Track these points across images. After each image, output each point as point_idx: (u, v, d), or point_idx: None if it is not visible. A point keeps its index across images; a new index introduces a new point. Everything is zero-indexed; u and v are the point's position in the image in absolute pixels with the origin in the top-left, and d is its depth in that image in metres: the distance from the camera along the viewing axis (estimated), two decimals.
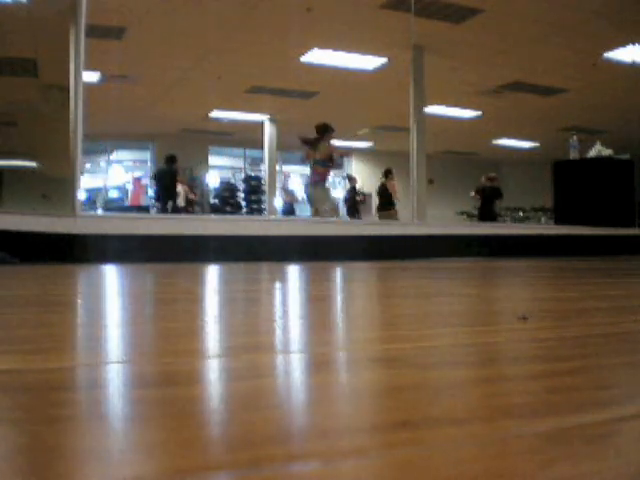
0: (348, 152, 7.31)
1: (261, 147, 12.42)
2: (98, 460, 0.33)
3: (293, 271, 3.06)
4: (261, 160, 13.07)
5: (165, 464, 0.33)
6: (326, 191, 6.92)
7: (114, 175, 13.40)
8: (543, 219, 13.02)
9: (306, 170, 15.13)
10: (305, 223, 5.93)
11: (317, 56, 8.06)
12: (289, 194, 12.45)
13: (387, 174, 9.43)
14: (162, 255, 4.11)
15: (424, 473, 0.32)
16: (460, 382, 0.56)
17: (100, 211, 11.08)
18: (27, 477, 0.31)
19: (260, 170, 13.48)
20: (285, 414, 0.44)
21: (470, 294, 1.71)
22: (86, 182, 11.43)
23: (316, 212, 6.66)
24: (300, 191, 14.81)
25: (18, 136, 6.11)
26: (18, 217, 4.03)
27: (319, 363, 0.65)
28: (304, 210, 14.60)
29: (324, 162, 6.68)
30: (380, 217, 9.34)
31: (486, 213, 10.27)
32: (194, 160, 12.58)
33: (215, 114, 11.33)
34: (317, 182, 6.71)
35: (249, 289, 1.97)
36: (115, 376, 0.57)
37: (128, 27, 6.90)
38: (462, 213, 13.35)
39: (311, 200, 6.91)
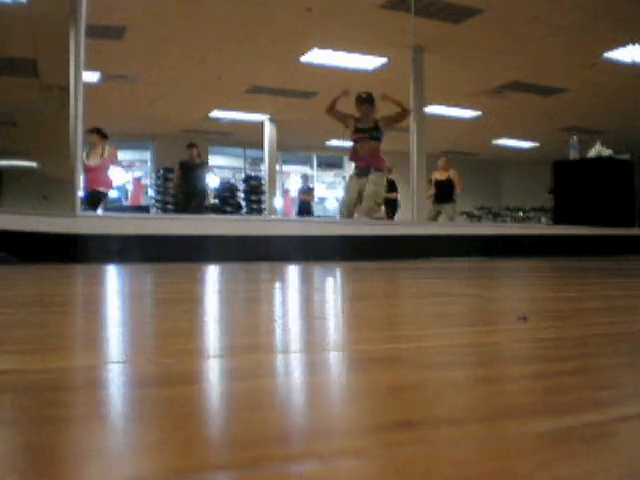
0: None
1: (261, 147, 12.43)
2: (98, 460, 0.33)
3: (292, 271, 3.06)
4: (261, 160, 13.07)
5: (165, 464, 0.33)
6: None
7: (114, 175, 13.39)
8: (543, 219, 13.03)
9: (306, 170, 15.18)
10: (305, 223, 5.92)
11: (317, 56, 8.06)
12: (307, 193, 12.33)
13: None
14: (162, 255, 4.11)
15: (424, 473, 0.32)
16: (460, 382, 0.56)
17: (100, 211, 11.05)
18: (27, 477, 0.31)
19: (260, 170, 13.49)
20: (285, 414, 0.44)
21: (470, 294, 1.71)
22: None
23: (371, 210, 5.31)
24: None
25: (18, 136, 6.12)
26: (18, 217, 4.03)
27: (319, 363, 0.65)
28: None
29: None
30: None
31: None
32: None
33: (215, 114, 11.33)
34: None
35: (249, 289, 1.97)
36: (115, 376, 0.57)
37: (128, 27, 6.90)
38: (462, 213, 13.35)
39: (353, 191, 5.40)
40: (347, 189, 5.53)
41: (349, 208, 5.41)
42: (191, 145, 8.09)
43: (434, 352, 0.71)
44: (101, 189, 6.43)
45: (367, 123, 5.33)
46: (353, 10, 6.59)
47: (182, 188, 8.14)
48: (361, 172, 5.31)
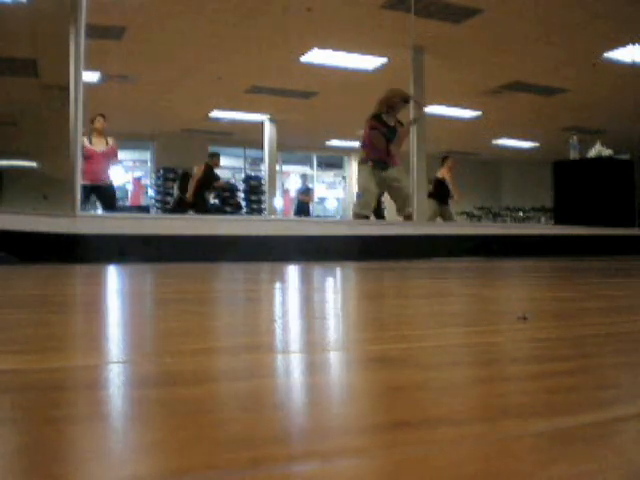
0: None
1: (261, 147, 12.43)
2: (98, 460, 0.33)
3: (292, 271, 3.06)
4: (261, 160, 13.07)
5: (165, 464, 0.33)
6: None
7: (114, 175, 13.39)
8: (543, 219, 13.03)
9: (305, 170, 15.19)
10: (305, 223, 5.92)
11: (317, 56, 8.06)
12: (306, 194, 12.32)
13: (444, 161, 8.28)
14: (162, 255, 4.11)
15: (424, 473, 0.32)
16: (460, 382, 0.56)
17: (100, 211, 11.08)
18: (27, 477, 0.31)
19: (260, 170, 13.49)
20: (285, 414, 0.44)
21: (470, 294, 1.71)
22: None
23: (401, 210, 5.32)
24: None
25: (18, 136, 6.12)
26: (18, 217, 4.02)
27: (319, 363, 0.65)
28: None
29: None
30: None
31: None
32: (194, 160, 12.59)
33: (215, 114, 11.33)
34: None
35: (249, 289, 1.97)
36: (115, 376, 0.57)
37: (128, 27, 6.90)
38: (462, 213, 13.35)
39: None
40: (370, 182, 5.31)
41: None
42: (213, 155, 9.01)
43: (434, 352, 0.71)
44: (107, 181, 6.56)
45: (393, 121, 5.33)
46: (353, 10, 6.59)
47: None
48: (383, 166, 5.26)
